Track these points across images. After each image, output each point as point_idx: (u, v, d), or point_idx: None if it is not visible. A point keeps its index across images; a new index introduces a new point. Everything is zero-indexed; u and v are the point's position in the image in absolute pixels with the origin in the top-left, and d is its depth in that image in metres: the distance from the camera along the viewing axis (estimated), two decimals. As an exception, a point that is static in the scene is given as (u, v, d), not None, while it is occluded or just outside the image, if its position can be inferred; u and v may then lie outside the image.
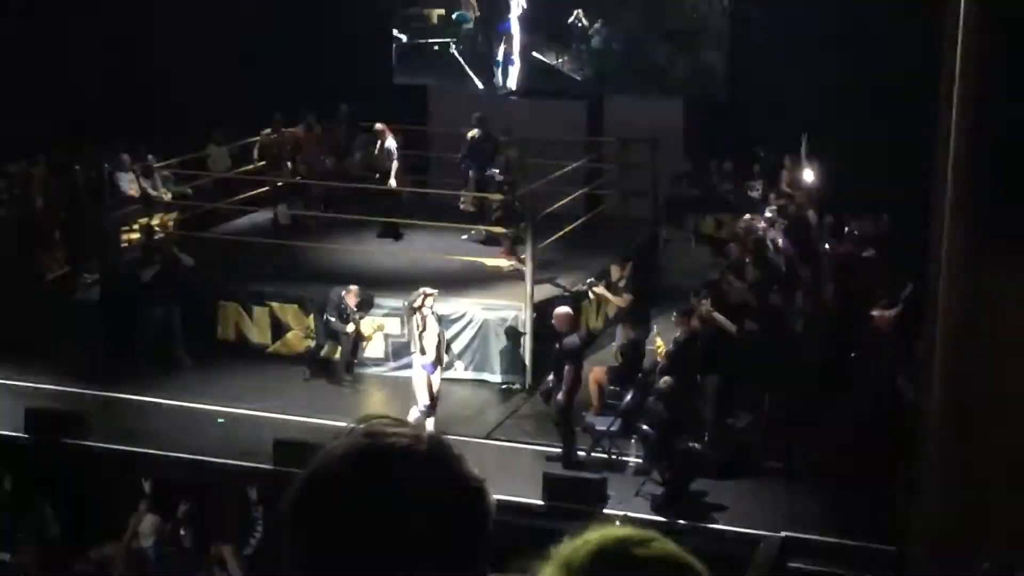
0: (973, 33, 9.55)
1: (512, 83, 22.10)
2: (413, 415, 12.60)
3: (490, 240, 16.81)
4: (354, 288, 14.56)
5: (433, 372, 13.02)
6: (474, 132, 17.18)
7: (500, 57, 22.10)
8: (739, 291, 14.23)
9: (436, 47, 22.59)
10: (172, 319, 15.00)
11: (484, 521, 1.79)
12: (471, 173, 17.32)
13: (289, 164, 18.55)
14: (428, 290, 13.13)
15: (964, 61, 9.59)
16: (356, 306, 14.56)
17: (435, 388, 13.08)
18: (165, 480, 12.19)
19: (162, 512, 11.73)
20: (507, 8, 21.83)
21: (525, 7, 21.65)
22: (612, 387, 13.27)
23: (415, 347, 13.05)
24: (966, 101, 9.61)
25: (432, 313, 13.08)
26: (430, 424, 12.50)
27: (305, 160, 18.71)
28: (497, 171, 16.88)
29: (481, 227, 17.00)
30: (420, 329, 12.98)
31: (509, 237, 16.14)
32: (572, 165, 18.36)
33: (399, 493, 1.75)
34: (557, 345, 12.81)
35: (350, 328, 14.55)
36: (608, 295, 14.89)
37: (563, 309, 13.08)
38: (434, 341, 13.03)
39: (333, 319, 14.60)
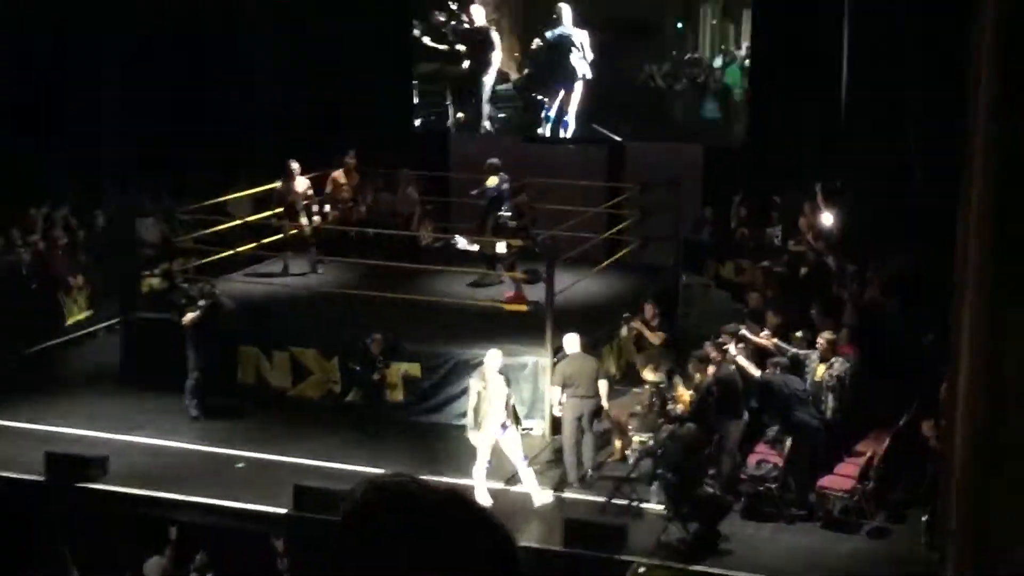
0: (997, 72, 9.52)
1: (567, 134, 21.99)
2: (477, 474, 12.65)
3: (487, 283, 16.96)
4: (378, 336, 14.58)
5: (503, 434, 12.83)
6: (495, 179, 17.21)
7: (554, 111, 21.91)
8: (759, 337, 14.21)
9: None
10: (212, 361, 15.02)
11: (513, 570, 1.83)
12: (489, 220, 17.31)
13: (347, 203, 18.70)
14: (494, 352, 13.06)
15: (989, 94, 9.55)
16: (381, 353, 14.57)
17: (510, 450, 12.87)
18: (187, 525, 12.17)
19: (181, 557, 11.69)
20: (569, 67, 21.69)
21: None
22: (634, 433, 13.23)
23: (485, 408, 12.80)
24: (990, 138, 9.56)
25: (497, 374, 12.92)
26: (481, 481, 12.56)
27: (341, 203, 18.78)
28: (509, 215, 16.92)
29: (494, 272, 17.01)
30: (483, 390, 12.81)
31: (518, 281, 16.16)
32: (592, 210, 18.39)
33: (433, 545, 1.80)
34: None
35: (375, 376, 14.57)
36: (645, 330, 14.95)
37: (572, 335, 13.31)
38: (501, 402, 12.85)
39: (358, 367, 14.61)
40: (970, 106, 9.77)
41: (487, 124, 22.20)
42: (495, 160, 17.45)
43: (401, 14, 22.32)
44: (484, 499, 11.84)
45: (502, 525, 1.85)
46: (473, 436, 12.82)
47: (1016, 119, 9.42)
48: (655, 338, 14.86)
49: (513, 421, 12.88)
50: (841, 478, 12.57)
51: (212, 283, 15.63)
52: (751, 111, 21.00)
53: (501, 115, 22.19)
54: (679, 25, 21.47)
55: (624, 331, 15.34)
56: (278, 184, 18.06)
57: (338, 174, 18.79)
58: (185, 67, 21.12)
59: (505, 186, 17.17)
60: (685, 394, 13.28)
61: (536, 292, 15.50)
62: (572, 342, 13.58)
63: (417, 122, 22.67)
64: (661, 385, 13.70)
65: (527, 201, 17.16)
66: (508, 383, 13.04)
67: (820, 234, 18.44)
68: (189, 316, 14.86)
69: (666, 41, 21.41)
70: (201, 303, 14.99)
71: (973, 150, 9.82)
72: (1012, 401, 9.40)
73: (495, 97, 22.04)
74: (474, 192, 17.48)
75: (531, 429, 14.30)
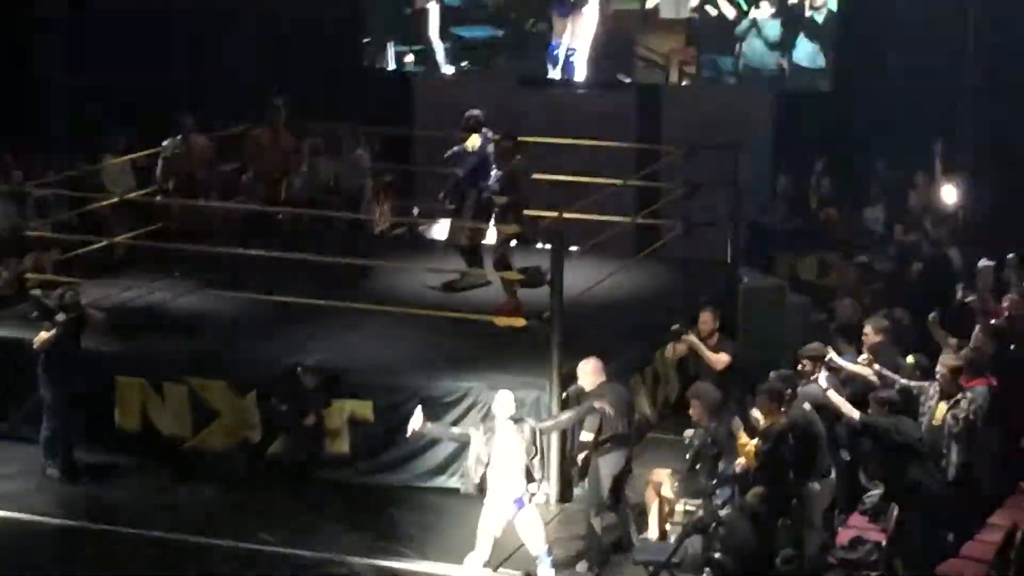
0: None
1: (579, 75, 22.09)
2: (469, 566, 12.61)
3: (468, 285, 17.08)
4: (312, 365, 14.56)
5: (522, 509, 12.70)
6: (476, 139, 17.14)
7: (561, 47, 22.00)
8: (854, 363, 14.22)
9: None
10: (76, 402, 15.03)
11: None
12: (470, 197, 17.28)
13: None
14: (505, 396, 12.91)
15: None
16: (315, 388, 14.53)
17: (527, 534, 12.77)
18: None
19: None
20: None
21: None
22: (677, 499, 13.24)
23: (491, 475, 12.77)
24: None
25: (511, 424, 12.80)
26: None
27: (265, 175, 18.82)
28: (496, 188, 16.81)
29: (478, 271, 16.99)
30: (489, 446, 12.70)
31: (512, 284, 16.15)
32: (615, 182, 18.38)
33: None
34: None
35: (309, 420, 14.56)
36: (703, 349, 14.97)
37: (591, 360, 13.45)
38: (516, 466, 12.71)
39: (285, 406, 14.56)
40: None
41: (443, 64, 22.26)
42: (476, 112, 17.38)
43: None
44: None
45: None
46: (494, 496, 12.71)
47: None
48: (716, 362, 14.85)
49: (529, 492, 12.79)
50: (970, 562, 12.54)
51: (76, 289, 15.56)
52: (842, 45, 21.11)
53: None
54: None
55: (669, 351, 15.31)
56: (168, 147, 18.08)
57: (259, 133, 18.81)
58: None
59: (491, 148, 17.11)
60: (749, 444, 13.24)
61: (538, 299, 15.47)
62: (591, 370, 13.54)
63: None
64: (715, 433, 13.66)
65: (522, 168, 17.04)
66: (528, 437, 12.88)
67: (940, 217, 18.46)
68: (43, 336, 14.81)
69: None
70: (59, 317, 14.89)
71: None
72: None
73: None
74: (449, 154, 17.41)
75: (534, 494, 14.29)
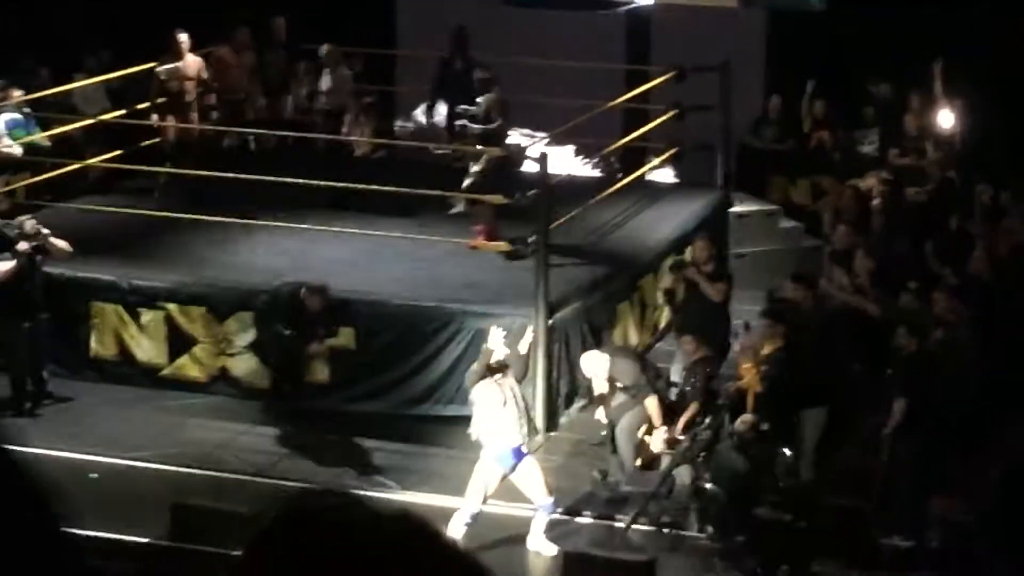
0: None
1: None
2: (457, 523, 12.37)
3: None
4: (320, 286, 14.55)
5: (520, 460, 12.52)
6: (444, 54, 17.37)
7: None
8: (847, 290, 14.28)
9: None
10: (38, 334, 15.06)
11: None
12: (436, 115, 17.33)
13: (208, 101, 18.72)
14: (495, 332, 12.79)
15: None
16: (319, 312, 14.52)
17: (527, 484, 12.65)
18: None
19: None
20: None
21: None
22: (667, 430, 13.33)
23: (489, 424, 12.55)
24: None
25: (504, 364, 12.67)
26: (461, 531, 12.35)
27: (229, 95, 18.86)
28: (472, 114, 16.82)
29: (458, 194, 16.91)
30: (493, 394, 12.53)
31: (488, 210, 16.13)
32: (603, 106, 18.32)
33: None
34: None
35: (313, 348, 14.63)
36: (704, 282, 14.87)
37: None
38: (514, 412, 12.51)
39: (288, 332, 14.57)
40: None
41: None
42: (459, 25, 17.75)
43: None
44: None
45: (478, 566, 1.88)
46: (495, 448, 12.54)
47: None
48: (716, 292, 14.80)
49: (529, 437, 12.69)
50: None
51: (37, 215, 15.53)
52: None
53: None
54: None
55: (668, 283, 15.27)
56: (159, 66, 18.03)
57: (225, 52, 18.85)
58: None
59: (478, 74, 17.13)
60: (751, 369, 13.27)
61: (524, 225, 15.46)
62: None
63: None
64: (706, 360, 13.68)
65: (498, 99, 17.02)
66: (518, 377, 12.81)
67: (938, 139, 18.41)
68: (2, 267, 14.79)
69: None
70: (21, 247, 14.85)
71: None
72: None
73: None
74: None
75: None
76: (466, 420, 13.27)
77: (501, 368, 12.50)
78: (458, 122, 17.07)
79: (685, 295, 15.11)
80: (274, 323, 14.87)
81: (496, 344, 12.64)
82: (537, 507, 12.67)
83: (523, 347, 13.13)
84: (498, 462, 12.43)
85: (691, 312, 14.73)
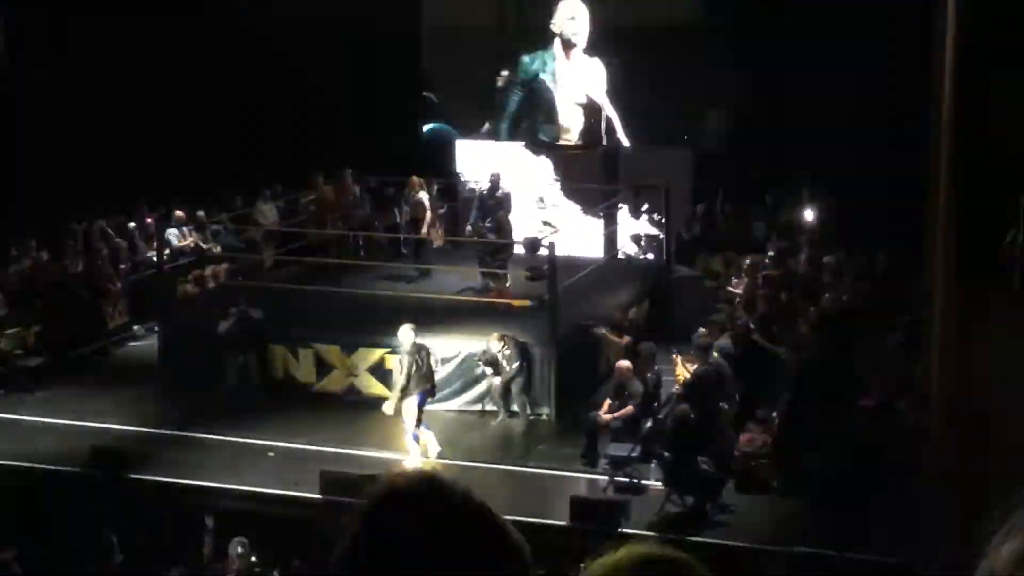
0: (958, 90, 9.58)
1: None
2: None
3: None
4: (508, 336, 14.39)
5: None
6: (484, 187, 17.74)
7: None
8: (746, 324, 14.24)
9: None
10: (250, 365, 15.09)
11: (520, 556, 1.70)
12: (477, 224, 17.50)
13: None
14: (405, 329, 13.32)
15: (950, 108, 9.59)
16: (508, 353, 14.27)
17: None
18: (223, 512, 12.22)
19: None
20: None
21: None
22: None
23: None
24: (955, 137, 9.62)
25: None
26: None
27: (345, 211, 18.93)
28: (493, 229, 17.06)
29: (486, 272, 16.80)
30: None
31: (500, 281, 16.35)
32: (591, 211, 18.33)
33: (444, 555, 1.64)
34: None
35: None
36: (612, 335, 15.05)
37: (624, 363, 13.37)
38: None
39: (488, 369, 14.40)
40: (932, 113, 9.84)
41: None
42: (496, 172, 17.77)
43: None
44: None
45: (520, 543, 1.70)
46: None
47: (973, 131, 9.50)
48: (619, 342, 14.84)
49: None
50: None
51: (242, 297, 15.49)
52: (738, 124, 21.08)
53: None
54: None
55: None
56: (305, 196, 18.44)
57: (328, 190, 18.90)
58: (204, 94, 21.27)
59: (500, 192, 17.42)
60: (683, 374, 13.26)
61: (538, 288, 15.51)
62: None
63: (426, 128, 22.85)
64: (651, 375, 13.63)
65: (505, 217, 17.17)
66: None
67: (802, 229, 18.46)
68: (223, 325, 14.97)
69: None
70: (232, 311, 15.04)
71: (938, 159, 9.89)
72: (977, 376, 9.46)
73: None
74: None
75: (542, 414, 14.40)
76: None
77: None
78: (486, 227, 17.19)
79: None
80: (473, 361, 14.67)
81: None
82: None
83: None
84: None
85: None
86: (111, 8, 19.19)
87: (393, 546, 1.61)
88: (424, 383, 13.15)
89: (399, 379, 13.26)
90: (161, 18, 20.44)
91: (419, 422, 13.17)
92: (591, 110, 19.65)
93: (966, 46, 9.60)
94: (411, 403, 13.11)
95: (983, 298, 9.68)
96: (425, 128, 24.21)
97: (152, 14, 20.09)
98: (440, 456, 13.23)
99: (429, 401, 13.40)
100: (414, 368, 13.06)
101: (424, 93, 24.04)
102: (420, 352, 13.19)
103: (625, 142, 19.75)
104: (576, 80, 19.60)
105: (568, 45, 19.44)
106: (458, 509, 1.65)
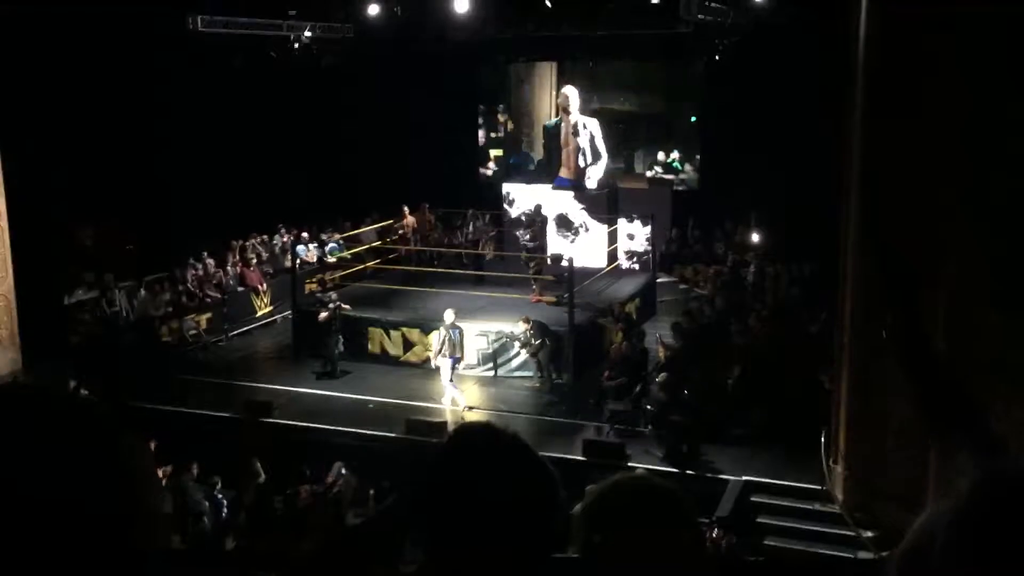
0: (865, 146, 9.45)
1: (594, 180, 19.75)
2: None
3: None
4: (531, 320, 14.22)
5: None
6: (524, 213, 17.63)
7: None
8: (710, 316, 14.10)
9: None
10: (339, 342, 15.00)
11: (553, 497, 1.61)
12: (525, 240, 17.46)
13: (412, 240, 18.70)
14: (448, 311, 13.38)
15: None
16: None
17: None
18: (335, 445, 12.30)
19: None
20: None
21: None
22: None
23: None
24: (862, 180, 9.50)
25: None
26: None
27: (424, 234, 18.89)
28: (532, 249, 16.91)
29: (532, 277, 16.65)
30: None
31: (538, 284, 16.17)
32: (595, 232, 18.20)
33: (498, 480, 1.57)
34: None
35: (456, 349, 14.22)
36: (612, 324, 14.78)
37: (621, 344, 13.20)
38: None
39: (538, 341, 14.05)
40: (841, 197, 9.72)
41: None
42: (538, 203, 17.69)
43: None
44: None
45: (552, 471, 1.62)
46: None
47: (880, 162, 9.38)
48: (616, 330, 14.45)
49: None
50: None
51: (333, 295, 15.37)
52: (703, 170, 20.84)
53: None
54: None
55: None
56: (396, 222, 18.38)
57: (409, 219, 18.80)
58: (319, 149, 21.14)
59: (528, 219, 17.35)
60: (663, 352, 13.18)
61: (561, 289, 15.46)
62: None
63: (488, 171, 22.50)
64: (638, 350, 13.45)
65: (539, 232, 17.23)
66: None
67: (750, 247, 18.26)
68: (322, 315, 14.92)
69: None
70: (330, 305, 15.00)
71: (848, 183, 9.78)
72: (880, 361, 9.36)
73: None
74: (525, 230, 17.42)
75: (559, 379, 14.28)
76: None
77: None
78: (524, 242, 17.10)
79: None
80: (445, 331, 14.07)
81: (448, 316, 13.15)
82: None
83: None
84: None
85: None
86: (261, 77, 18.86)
87: (464, 470, 1.57)
88: (455, 351, 13.23)
89: (435, 344, 13.36)
90: (298, 80, 19.94)
91: (451, 379, 13.23)
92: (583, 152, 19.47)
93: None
94: (446, 363, 13.23)
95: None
96: (511, 160, 22.94)
97: (288, 81, 19.64)
98: (469, 408, 13.09)
99: (459, 368, 13.45)
100: (447, 339, 13.08)
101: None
102: (453, 328, 13.26)
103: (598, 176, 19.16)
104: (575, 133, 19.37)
105: (567, 111, 19.20)
106: (509, 446, 1.60)
